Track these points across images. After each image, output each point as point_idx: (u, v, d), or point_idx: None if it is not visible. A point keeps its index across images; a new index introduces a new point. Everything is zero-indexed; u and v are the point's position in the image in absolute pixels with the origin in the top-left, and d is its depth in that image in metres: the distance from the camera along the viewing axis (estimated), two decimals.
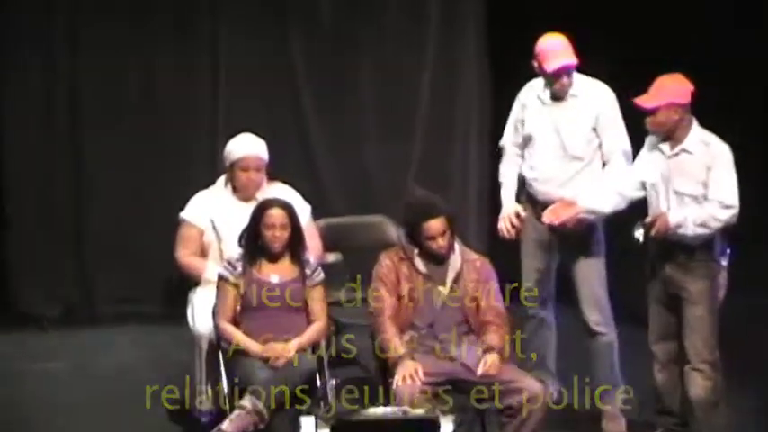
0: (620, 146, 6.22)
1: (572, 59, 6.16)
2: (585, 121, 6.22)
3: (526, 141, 6.38)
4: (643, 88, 5.76)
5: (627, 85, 6.08)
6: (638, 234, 5.78)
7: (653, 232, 5.67)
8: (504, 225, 6.39)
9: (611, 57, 6.61)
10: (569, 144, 6.22)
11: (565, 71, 6.16)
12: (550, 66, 6.12)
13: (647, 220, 5.76)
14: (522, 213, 6.37)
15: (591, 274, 6.32)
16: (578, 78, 6.27)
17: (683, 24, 8.38)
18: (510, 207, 6.43)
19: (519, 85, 6.61)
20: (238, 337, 5.66)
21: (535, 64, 6.21)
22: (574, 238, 6.24)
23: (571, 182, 6.23)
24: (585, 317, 6.32)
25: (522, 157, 6.45)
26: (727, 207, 5.60)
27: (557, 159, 6.26)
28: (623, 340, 6.41)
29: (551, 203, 6.20)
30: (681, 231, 5.62)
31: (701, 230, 5.62)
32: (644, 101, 5.75)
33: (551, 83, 6.22)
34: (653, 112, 5.71)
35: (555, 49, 6.15)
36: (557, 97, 6.26)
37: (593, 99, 6.25)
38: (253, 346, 5.60)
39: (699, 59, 7.43)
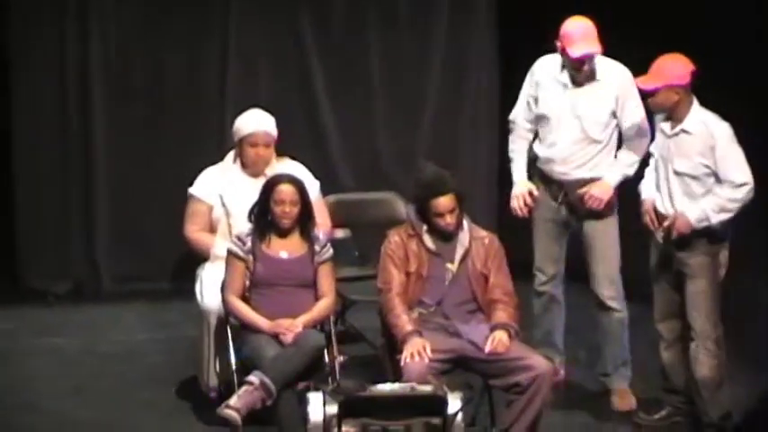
0: (639, 126, 6.19)
1: (596, 47, 6.08)
2: (606, 104, 6.18)
3: (540, 120, 6.34)
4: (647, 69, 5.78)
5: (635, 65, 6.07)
6: (659, 236, 5.81)
7: (674, 234, 5.69)
8: (518, 204, 6.35)
9: (618, 36, 6.52)
10: (590, 128, 6.18)
11: (588, 58, 6.13)
12: (574, 51, 6.05)
13: (666, 222, 5.75)
14: (535, 192, 6.35)
15: (609, 251, 6.33)
16: (598, 60, 6.21)
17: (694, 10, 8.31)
18: (522, 185, 6.38)
19: (527, 65, 6.58)
20: (247, 312, 5.67)
21: (558, 45, 6.15)
22: (593, 216, 6.25)
23: (589, 163, 6.23)
24: (600, 292, 6.33)
25: (533, 133, 6.43)
26: (740, 185, 5.58)
27: (576, 142, 6.22)
28: (630, 318, 6.42)
29: (567, 183, 6.24)
30: (705, 224, 5.63)
31: (723, 216, 5.61)
32: (643, 82, 5.74)
33: (573, 67, 6.16)
34: (652, 93, 5.71)
35: (581, 33, 6.07)
36: (577, 81, 6.23)
37: (614, 82, 6.20)
38: (261, 321, 5.62)
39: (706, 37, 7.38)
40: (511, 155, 6.53)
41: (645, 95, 5.81)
